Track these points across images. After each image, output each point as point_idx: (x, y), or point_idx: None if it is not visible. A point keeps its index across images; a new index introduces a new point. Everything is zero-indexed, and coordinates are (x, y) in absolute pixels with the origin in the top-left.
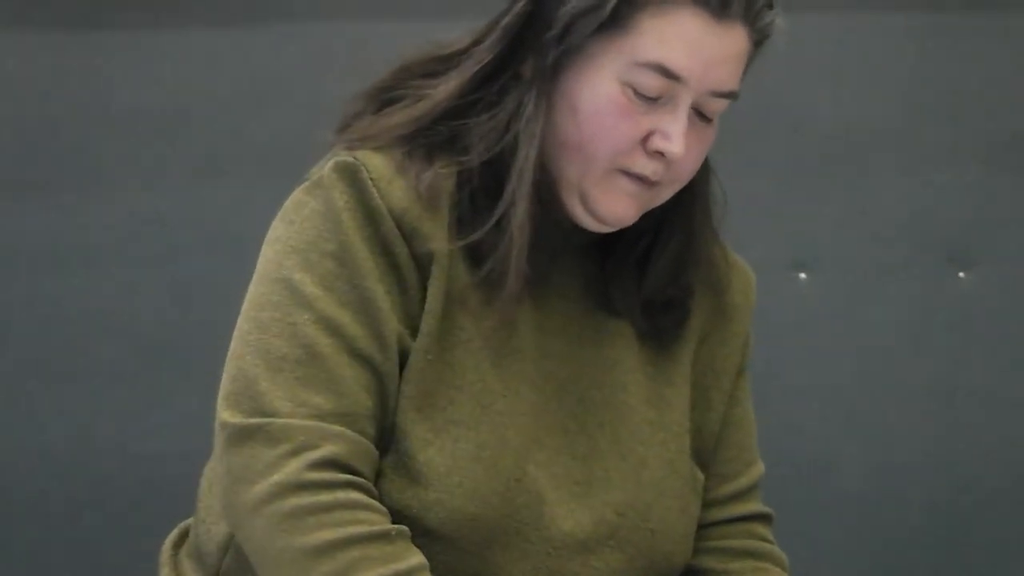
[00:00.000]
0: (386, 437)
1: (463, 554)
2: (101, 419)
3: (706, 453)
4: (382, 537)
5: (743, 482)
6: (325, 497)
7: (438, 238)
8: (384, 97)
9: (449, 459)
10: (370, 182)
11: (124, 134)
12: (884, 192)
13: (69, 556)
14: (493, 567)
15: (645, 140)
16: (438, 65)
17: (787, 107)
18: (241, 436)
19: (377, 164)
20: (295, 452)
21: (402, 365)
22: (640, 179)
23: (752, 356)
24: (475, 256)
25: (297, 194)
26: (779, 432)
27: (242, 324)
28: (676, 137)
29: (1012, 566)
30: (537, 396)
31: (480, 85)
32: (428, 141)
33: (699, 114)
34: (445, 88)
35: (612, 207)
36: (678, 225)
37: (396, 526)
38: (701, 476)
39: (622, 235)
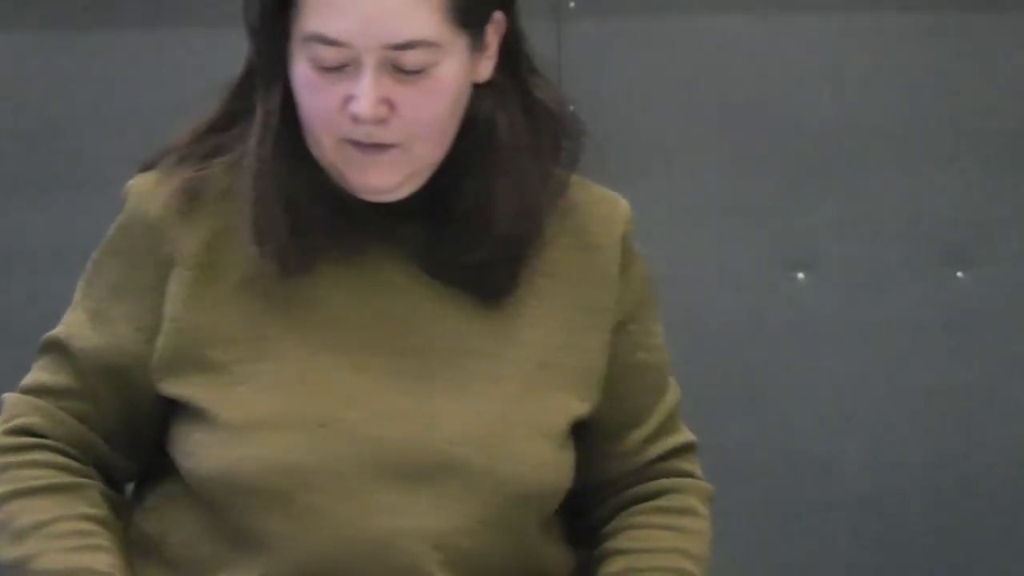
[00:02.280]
0: (179, 414)
1: (286, 504)
2: None
3: (594, 388)
4: (47, 489)
5: (652, 423)
6: (7, 459)
7: (188, 238)
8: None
9: (252, 420)
10: (140, 199)
11: (124, 134)
12: (883, 192)
13: None
14: (323, 512)
15: (346, 108)
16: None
17: (787, 107)
18: None
19: (143, 180)
20: (4, 420)
21: (166, 354)
22: (361, 144)
23: (650, 298)
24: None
25: None
26: (779, 432)
27: None
28: (359, 98)
29: (1012, 565)
30: (351, 354)
31: (241, 93)
32: (201, 151)
33: (400, 69)
34: (216, 101)
35: (362, 178)
36: (471, 186)
37: (69, 477)
38: (577, 405)
39: (438, 196)
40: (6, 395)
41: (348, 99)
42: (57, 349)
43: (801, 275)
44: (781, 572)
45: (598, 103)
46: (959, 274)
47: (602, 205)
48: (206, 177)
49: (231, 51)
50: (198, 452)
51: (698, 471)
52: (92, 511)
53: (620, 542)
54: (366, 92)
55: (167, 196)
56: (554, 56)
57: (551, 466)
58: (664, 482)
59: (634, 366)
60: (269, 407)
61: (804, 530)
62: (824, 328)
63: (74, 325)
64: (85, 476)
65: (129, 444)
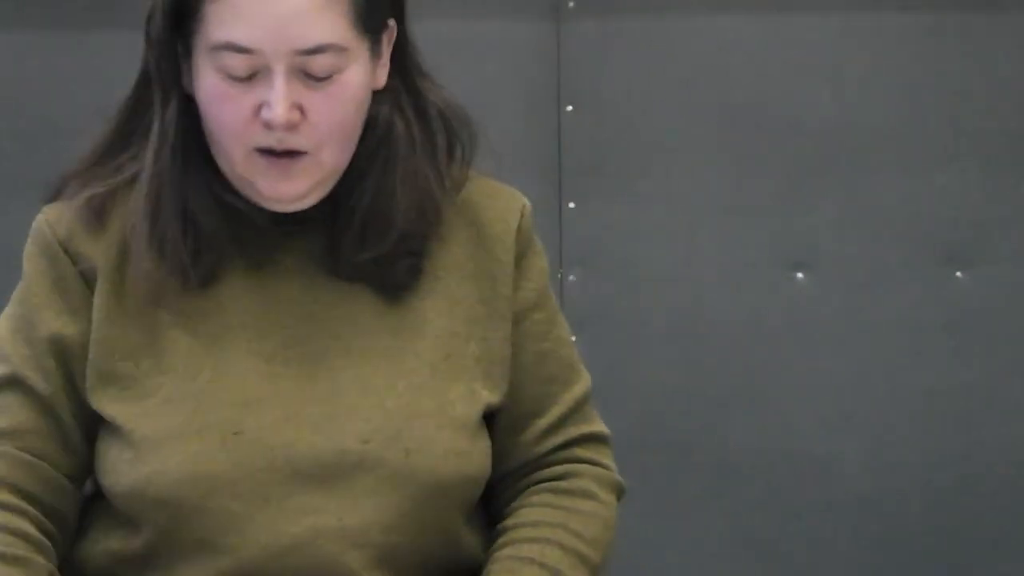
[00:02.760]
0: (103, 431)
1: (202, 514)
2: None
3: (500, 378)
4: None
5: (554, 413)
6: None
7: (101, 254)
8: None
9: (161, 432)
10: (45, 225)
11: None
12: (883, 192)
13: None
14: (241, 519)
15: (258, 116)
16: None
17: (787, 107)
18: None
19: (49, 210)
20: None
21: (84, 374)
22: (271, 152)
23: (544, 290)
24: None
25: None
26: (778, 432)
27: None
28: (272, 104)
29: (1012, 565)
30: (256, 363)
31: (136, 111)
32: (102, 172)
33: (309, 75)
34: (108, 125)
35: (269, 186)
36: (371, 183)
37: (22, 549)
38: (485, 395)
39: (338, 202)
40: None
41: (260, 107)
42: (6, 386)
43: (801, 275)
44: (781, 572)
45: (598, 103)
46: (959, 274)
47: (497, 199)
48: (109, 194)
49: None
50: (115, 469)
51: (605, 460)
52: None
53: (507, 521)
54: (279, 98)
55: (71, 218)
56: (554, 56)
57: (465, 455)
58: (562, 468)
59: (536, 356)
60: (177, 418)
61: (804, 530)
62: (824, 328)
63: (15, 356)
64: (35, 550)
65: (81, 468)
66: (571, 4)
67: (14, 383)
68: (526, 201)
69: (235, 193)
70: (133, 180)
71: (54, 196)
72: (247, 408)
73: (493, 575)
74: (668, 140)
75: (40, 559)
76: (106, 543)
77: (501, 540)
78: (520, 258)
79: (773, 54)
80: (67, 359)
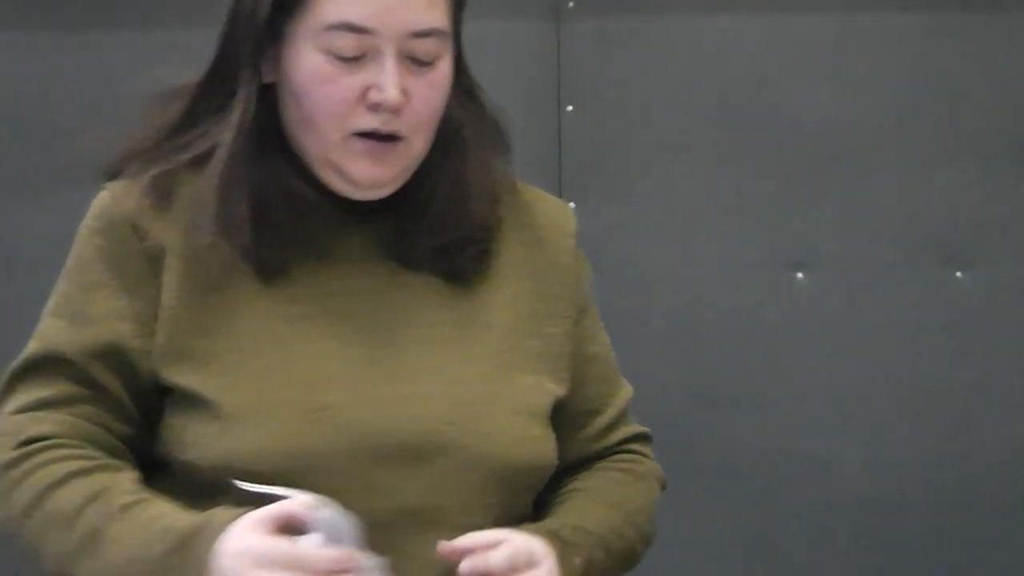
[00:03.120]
0: (178, 406)
1: (290, 487)
2: None
3: (564, 372)
4: (79, 473)
5: (611, 413)
6: (25, 465)
7: (170, 231)
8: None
9: (246, 407)
10: (110, 200)
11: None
12: (883, 192)
13: None
14: (323, 493)
15: (364, 99)
16: (182, 91)
17: (787, 107)
18: None
19: (114, 186)
20: (5, 443)
21: (148, 350)
22: (372, 136)
23: (594, 299)
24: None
25: None
26: (778, 432)
27: None
28: (387, 85)
29: (1012, 566)
30: (333, 344)
31: (207, 94)
32: (165, 152)
33: (413, 60)
34: (178, 103)
35: (362, 171)
36: (448, 170)
37: (98, 460)
38: (552, 387)
39: (410, 190)
40: (4, 419)
41: (365, 89)
42: (45, 364)
43: (801, 275)
44: (781, 572)
45: (598, 103)
46: (959, 274)
47: (549, 203)
48: (173, 173)
49: None
50: (198, 443)
51: (653, 459)
52: (135, 479)
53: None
54: (392, 80)
55: (140, 195)
56: (554, 56)
57: (540, 442)
58: (621, 456)
59: (591, 357)
60: (261, 394)
61: (804, 530)
62: (824, 328)
63: (56, 336)
64: (112, 460)
65: (139, 440)
66: (571, 4)
67: (54, 362)
68: (573, 212)
69: (303, 182)
70: (200, 160)
71: (114, 175)
72: (329, 387)
73: (585, 479)
74: (668, 140)
75: (114, 461)
76: None
77: (566, 486)
78: (576, 264)
79: (773, 54)
80: (118, 342)
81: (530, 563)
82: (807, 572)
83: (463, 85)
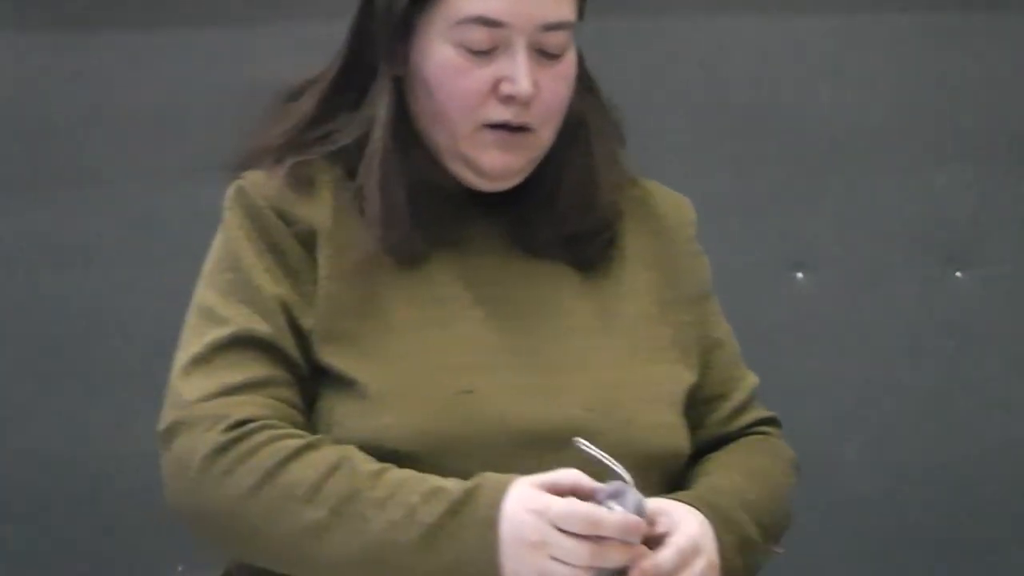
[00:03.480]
0: (327, 386)
1: (435, 470)
2: (98, 418)
3: (694, 358)
4: (307, 448)
5: (739, 397)
6: (243, 446)
7: (317, 216)
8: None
9: (394, 387)
10: (249, 188)
11: (123, 134)
12: (883, 192)
13: (66, 555)
14: (465, 476)
15: (495, 91)
16: (308, 85)
17: (787, 107)
18: (166, 438)
19: (251, 176)
20: (209, 427)
21: (310, 330)
22: (503, 127)
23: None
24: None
25: None
26: None
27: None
28: (519, 77)
29: (1012, 565)
30: (475, 329)
31: (340, 87)
32: (301, 143)
33: (542, 52)
34: (310, 98)
35: (492, 161)
36: (575, 160)
37: (308, 440)
38: (687, 375)
39: (534, 181)
40: (183, 412)
41: (497, 81)
42: (230, 348)
43: (801, 275)
44: (781, 572)
45: None
46: (959, 274)
47: (669, 195)
48: (311, 164)
49: (231, 51)
50: (344, 422)
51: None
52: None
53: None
54: (524, 72)
55: (280, 183)
56: None
57: (676, 429)
58: (753, 436)
59: (716, 342)
60: (409, 374)
61: (803, 529)
62: (824, 328)
63: (244, 320)
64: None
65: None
66: None
67: (240, 340)
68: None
69: (437, 170)
70: (335, 154)
71: (244, 168)
72: (476, 370)
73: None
74: (668, 140)
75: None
76: None
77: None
78: (698, 255)
79: (773, 54)
80: (292, 316)
81: (696, 551)
82: (807, 572)
83: (581, 77)
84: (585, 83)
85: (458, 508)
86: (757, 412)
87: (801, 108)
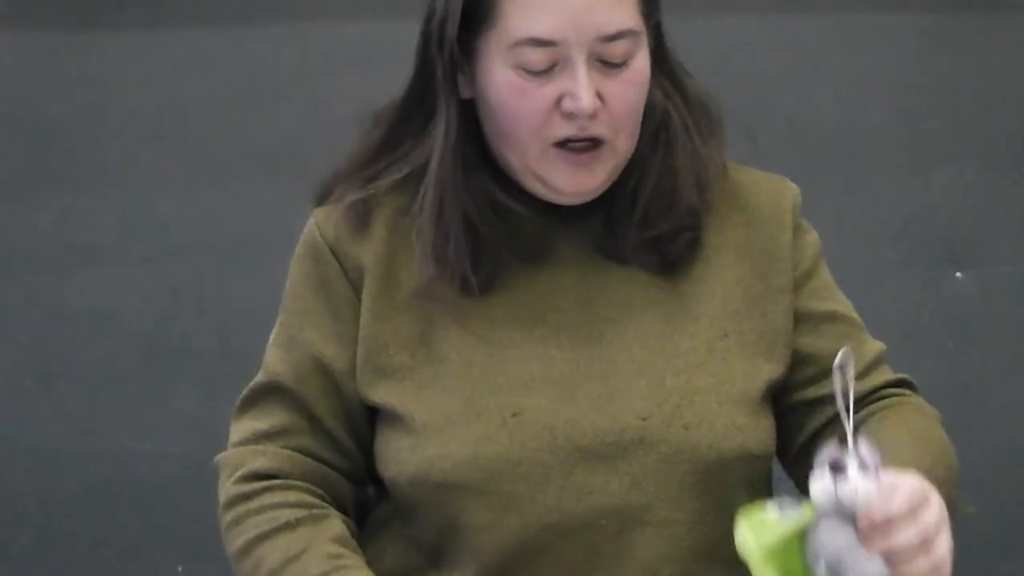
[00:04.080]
0: (381, 423)
1: (485, 496)
2: (99, 418)
3: (782, 348)
4: (288, 526)
5: (856, 365)
6: (243, 507)
7: (367, 254)
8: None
9: (441, 417)
10: (315, 228)
11: (123, 134)
12: (883, 192)
13: (67, 555)
14: (523, 499)
15: (559, 107)
16: (388, 110)
17: (787, 107)
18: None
19: (317, 213)
20: (229, 474)
21: (342, 370)
22: (573, 145)
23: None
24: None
25: None
26: None
27: None
28: (579, 93)
29: (1012, 565)
30: (530, 347)
31: (409, 114)
32: (364, 177)
33: (605, 63)
34: (382, 125)
35: (564, 180)
36: (656, 162)
37: (306, 511)
38: (768, 369)
39: (617, 186)
40: (221, 455)
41: (559, 98)
42: (263, 395)
43: None
44: None
45: None
46: (959, 274)
47: (769, 183)
48: (371, 198)
49: (231, 51)
50: (398, 458)
51: (922, 399)
52: (336, 535)
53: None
54: (583, 87)
55: (337, 221)
56: None
57: (746, 430)
58: (884, 402)
59: (824, 315)
60: (456, 403)
61: None
62: None
63: (274, 365)
64: (321, 507)
65: (353, 467)
66: None
67: (273, 390)
68: (796, 187)
69: (508, 192)
70: (400, 182)
71: (322, 199)
72: (524, 390)
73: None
74: None
75: (324, 510)
76: (392, 546)
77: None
78: (796, 235)
79: (773, 54)
80: (327, 364)
81: (925, 502)
82: None
83: (666, 72)
84: (671, 76)
85: None
86: (884, 375)
87: (801, 108)
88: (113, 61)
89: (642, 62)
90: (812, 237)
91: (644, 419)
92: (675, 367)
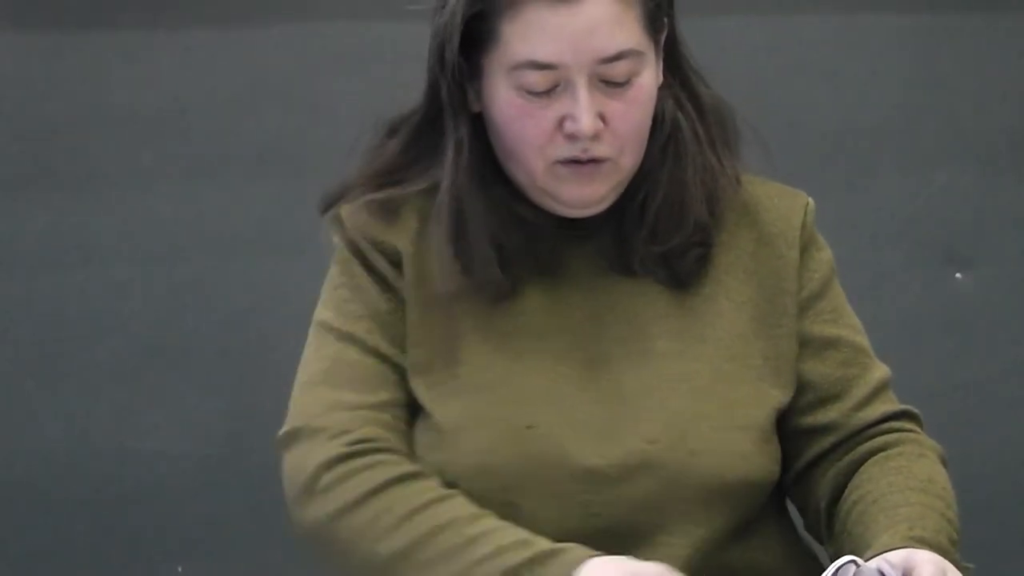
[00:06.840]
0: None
1: (491, 503)
2: (98, 418)
3: (788, 373)
4: (411, 477)
5: (857, 394)
6: (359, 462)
7: (401, 239)
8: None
9: (455, 421)
10: (344, 216)
11: (122, 134)
12: (883, 192)
13: (67, 555)
14: (524, 510)
15: (561, 128)
16: (403, 122)
17: (787, 107)
18: (286, 441)
19: (343, 208)
20: (332, 437)
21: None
22: (576, 162)
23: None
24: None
25: None
26: None
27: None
28: (580, 116)
29: (1012, 565)
30: (548, 361)
31: (423, 130)
32: (383, 184)
33: (607, 83)
34: (393, 144)
35: (573, 194)
36: (665, 175)
37: (413, 470)
38: (775, 394)
39: (629, 199)
40: (322, 417)
41: (561, 120)
42: (358, 366)
43: None
44: None
45: None
46: (958, 274)
47: (781, 198)
48: (399, 197)
49: (231, 51)
50: (419, 451)
51: (923, 434)
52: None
53: (846, 495)
54: (584, 109)
55: (365, 210)
56: None
57: (750, 458)
58: (883, 439)
59: (827, 341)
60: (471, 409)
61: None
62: None
63: (359, 335)
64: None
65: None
66: None
67: (365, 364)
68: (810, 200)
69: (524, 204)
70: (425, 191)
71: (331, 204)
72: (538, 404)
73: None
74: None
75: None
76: None
77: (847, 507)
78: (803, 252)
79: (773, 54)
80: (390, 359)
81: None
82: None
83: (680, 81)
84: (684, 86)
85: (544, 559)
86: (884, 406)
87: (801, 108)
88: (113, 61)
89: (647, 79)
90: (824, 256)
91: (651, 443)
92: (681, 391)
